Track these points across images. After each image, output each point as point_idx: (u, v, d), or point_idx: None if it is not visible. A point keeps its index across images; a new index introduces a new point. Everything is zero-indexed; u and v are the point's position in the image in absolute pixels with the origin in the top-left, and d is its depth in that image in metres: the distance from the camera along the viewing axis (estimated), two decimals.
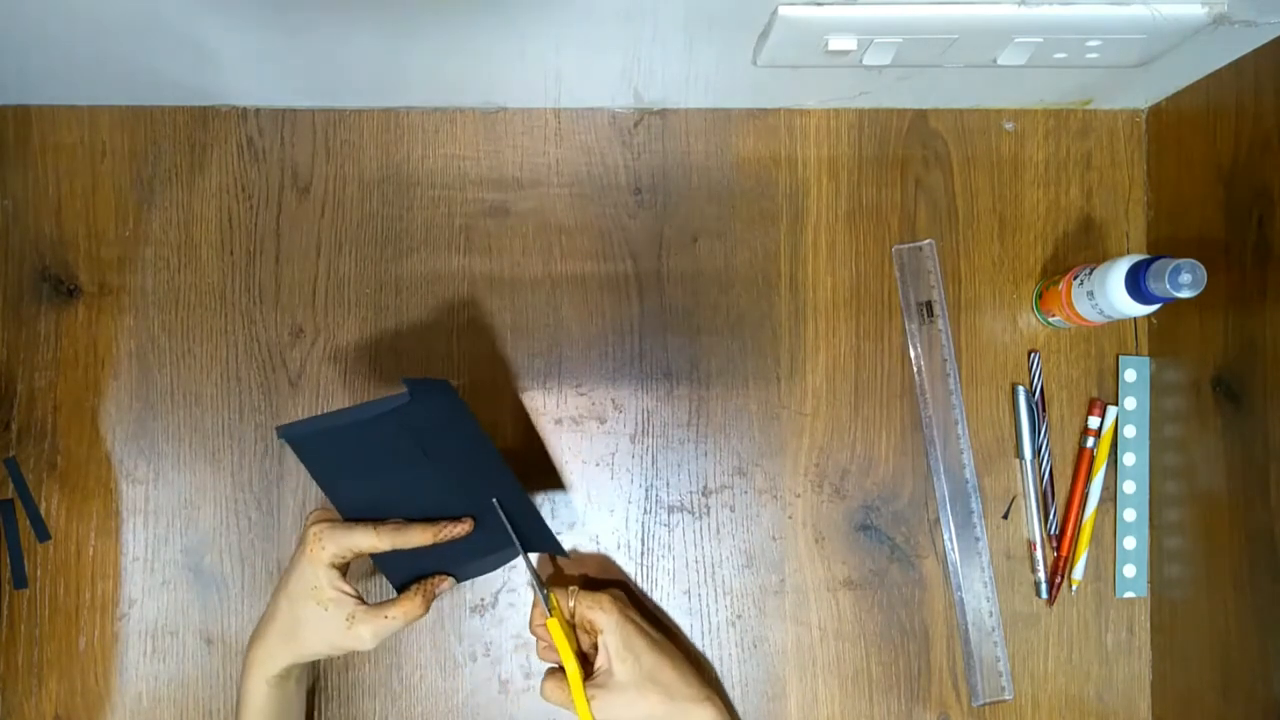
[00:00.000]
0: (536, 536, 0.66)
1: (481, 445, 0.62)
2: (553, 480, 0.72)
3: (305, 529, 0.60)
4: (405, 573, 0.63)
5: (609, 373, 0.72)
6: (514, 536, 0.63)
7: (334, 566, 0.59)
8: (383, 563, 0.62)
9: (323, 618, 0.58)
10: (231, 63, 0.64)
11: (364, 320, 0.71)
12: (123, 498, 0.70)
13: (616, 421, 0.72)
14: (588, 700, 0.61)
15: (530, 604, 0.69)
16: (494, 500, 0.62)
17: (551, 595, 0.64)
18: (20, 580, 0.69)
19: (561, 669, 0.63)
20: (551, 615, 0.63)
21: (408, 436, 0.58)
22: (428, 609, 0.61)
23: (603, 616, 0.63)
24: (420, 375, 0.71)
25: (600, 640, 0.63)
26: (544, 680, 0.64)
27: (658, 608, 0.71)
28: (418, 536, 0.59)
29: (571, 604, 0.64)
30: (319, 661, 0.70)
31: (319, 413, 0.70)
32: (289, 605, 0.59)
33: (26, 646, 0.69)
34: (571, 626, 0.65)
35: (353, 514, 0.60)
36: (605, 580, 0.72)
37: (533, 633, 0.66)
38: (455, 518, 0.61)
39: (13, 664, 0.69)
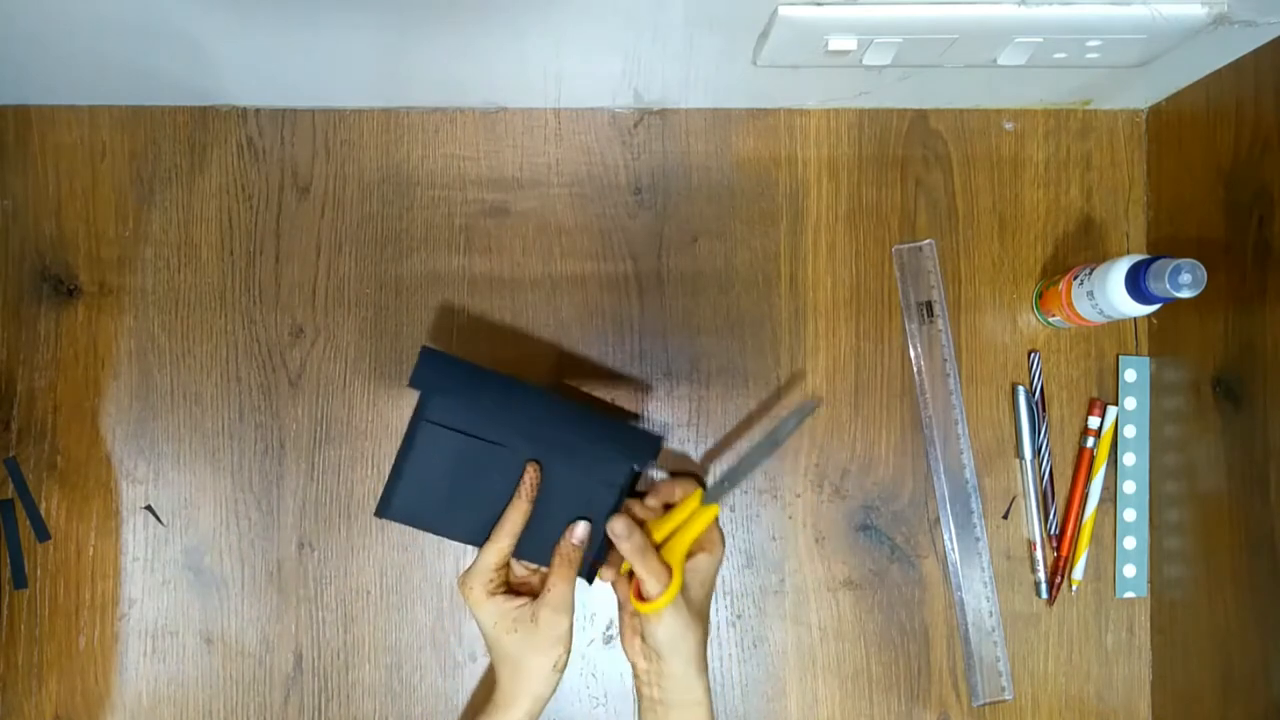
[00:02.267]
0: (627, 442, 0.64)
1: (518, 390, 0.63)
2: None
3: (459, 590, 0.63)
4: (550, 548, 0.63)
5: (609, 373, 0.72)
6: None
7: (495, 595, 0.61)
8: (540, 558, 0.63)
9: (523, 641, 0.60)
10: (231, 63, 0.64)
11: (364, 320, 0.71)
12: (123, 498, 0.70)
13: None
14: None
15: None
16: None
17: (721, 494, 0.64)
18: (20, 580, 0.69)
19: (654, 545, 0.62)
20: (713, 501, 0.63)
21: (456, 432, 0.61)
22: (576, 564, 0.61)
23: (718, 543, 0.64)
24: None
25: (699, 559, 0.63)
26: (637, 533, 0.61)
27: None
28: (517, 514, 0.61)
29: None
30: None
31: (323, 414, 0.70)
32: (499, 659, 0.61)
33: (26, 646, 0.69)
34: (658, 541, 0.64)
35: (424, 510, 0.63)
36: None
37: (656, 490, 0.65)
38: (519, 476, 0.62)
39: (13, 664, 0.69)
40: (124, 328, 0.71)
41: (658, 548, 0.62)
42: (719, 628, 0.71)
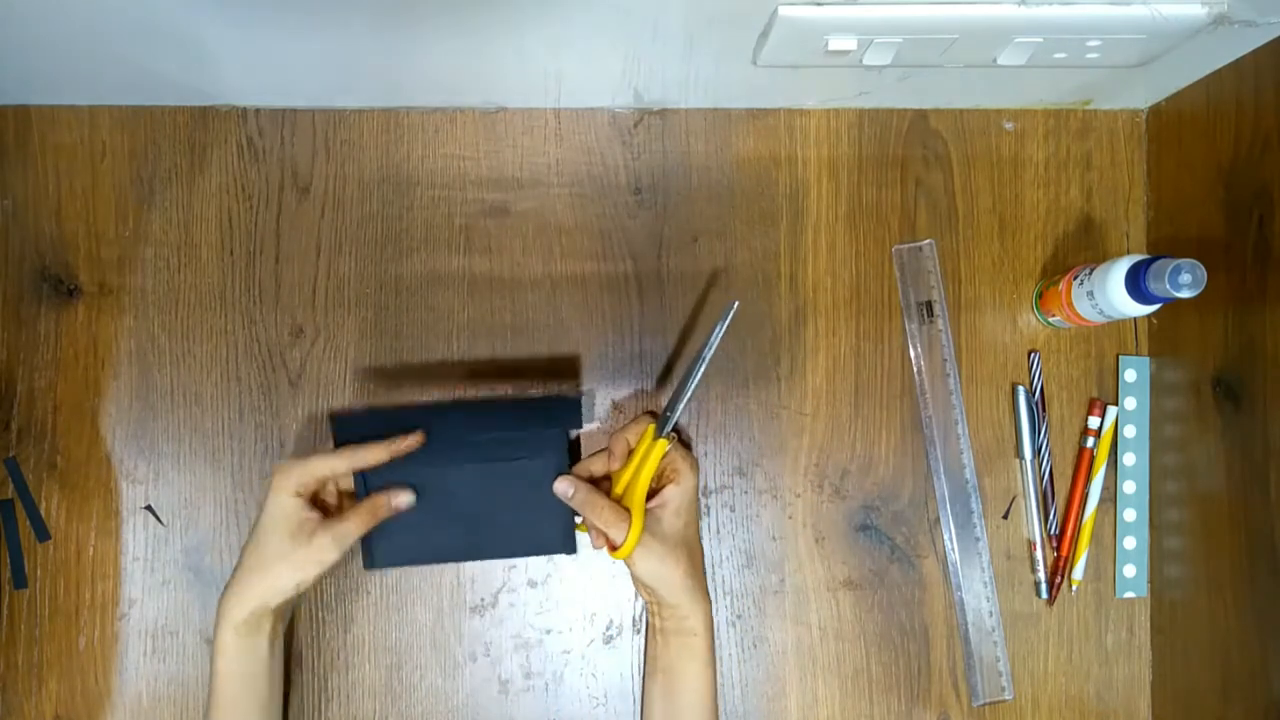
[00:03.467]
0: (548, 413, 0.67)
1: (434, 415, 0.66)
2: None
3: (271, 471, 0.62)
4: (558, 533, 0.66)
5: (609, 373, 0.72)
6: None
7: (299, 495, 0.60)
8: (534, 550, 0.66)
9: (288, 545, 0.59)
10: (231, 63, 0.64)
11: (364, 320, 0.71)
12: (123, 498, 0.70)
13: (616, 421, 0.72)
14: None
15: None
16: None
17: (661, 425, 0.65)
18: (20, 580, 0.69)
19: (608, 495, 0.64)
20: (663, 437, 0.64)
21: (400, 473, 0.64)
22: (374, 519, 0.62)
23: (687, 472, 0.65)
24: (401, 377, 0.71)
25: (668, 489, 0.64)
26: (587, 491, 0.63)
27: None
28: (369, 454, 0.61)
29: (668, 445, 0.64)
30: (293, 627, 0.69)
31: (323, 414, 0.71)
32: (255, 546, 0.60)
33: (26, 646, 0.69)
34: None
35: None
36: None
37: (612, 442, 0.66)
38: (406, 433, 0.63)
39: (13, 664, 0.69)
40: (124, 328, 0.71)
41: (620, 496, 0.64)
42: (719, 628, 0.71)
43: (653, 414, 0.70)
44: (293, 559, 0.59)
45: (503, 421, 0.66)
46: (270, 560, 0.60)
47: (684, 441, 0.71)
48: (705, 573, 0.68)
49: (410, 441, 0.62)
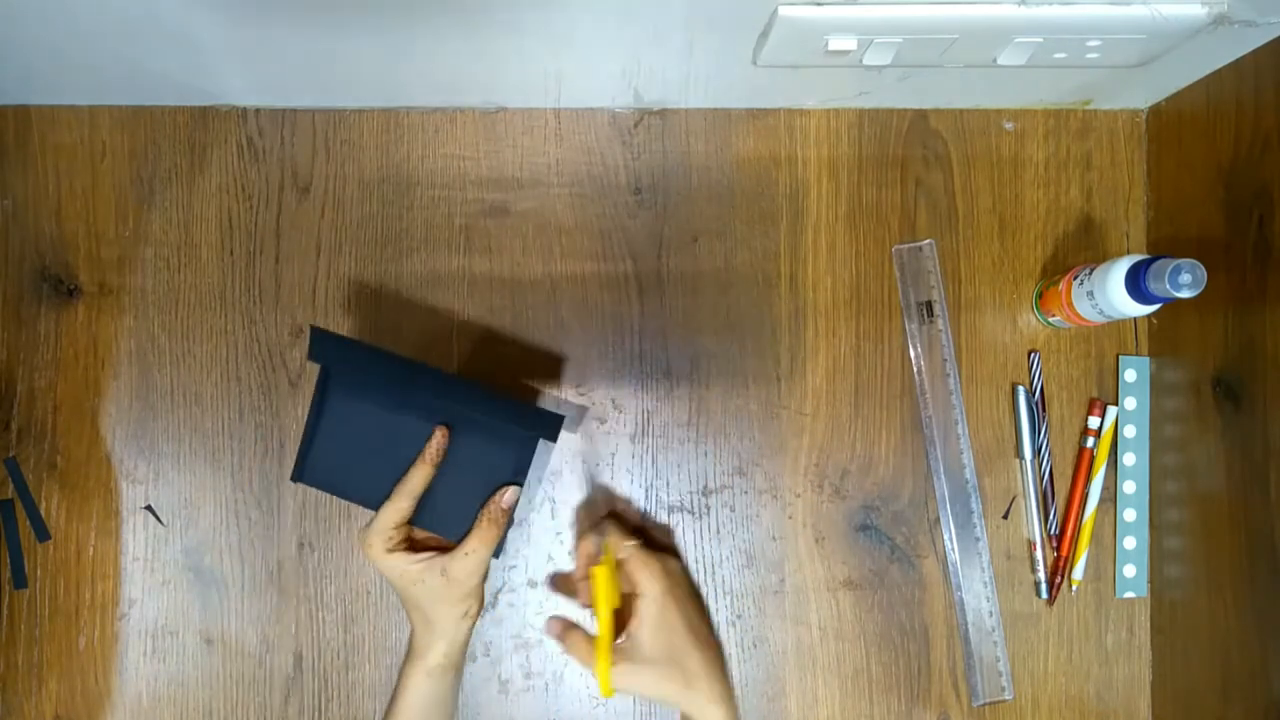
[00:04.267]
0: (529, 418, 0.64)
1: (418, 369, 0.63)
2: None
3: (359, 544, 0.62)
4: (464, 522, 0.62)
5: (609, 373, 0.72)
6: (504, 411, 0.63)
7: (393, 552, 0.60)
8: (439, 527, 0.62)
9: (430, 590, 0.60)
10: (231, 63, 0.64)
11: (364, 320, 0.71)
12: (123, 498, 0.70)
13: (616, 421, 0.72)
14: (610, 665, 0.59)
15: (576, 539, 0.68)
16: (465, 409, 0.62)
17: (607, 541, 0.62)
18: (20, 580, 0.69)
19: (584, 622, 0.63)
20: (602, 562, 0.61)
21: (361, 402, 0.61)
22: (501, 528, 0.61)
23: (649, 582, 0.61)
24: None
25: (637, 604, 0.61)
26: (568, 631, 0.63)
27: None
28: (418, 476, 0.60)
29: (622, 555, 0.63)
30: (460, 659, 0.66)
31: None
32: (409, 606, 0.61)
33: (26, 646, 0.69)
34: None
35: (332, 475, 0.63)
36: (667, 549, 0.71)
37: (576, 568, 0.65)
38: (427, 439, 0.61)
39: (13, 664, 0.69)
40: (124, 328, 0.71)
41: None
42: (719, 628, 0.71)
43: (616, 515, 0.69)
44: (445, 600, 0.60)
45: (486, 404, 0.63)
46: (427, 608, 0.60)
47: (660, 545, 0.70)
48: (716, 669, 0.61)
49: (437, 441, 0.61)
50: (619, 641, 0.61)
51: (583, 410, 0.71)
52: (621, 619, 0.62)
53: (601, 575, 0.60)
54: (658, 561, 0.63)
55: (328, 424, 0.62)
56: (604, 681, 0.59)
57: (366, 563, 0.68)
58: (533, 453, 0.62)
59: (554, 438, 0.62)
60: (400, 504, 0.60)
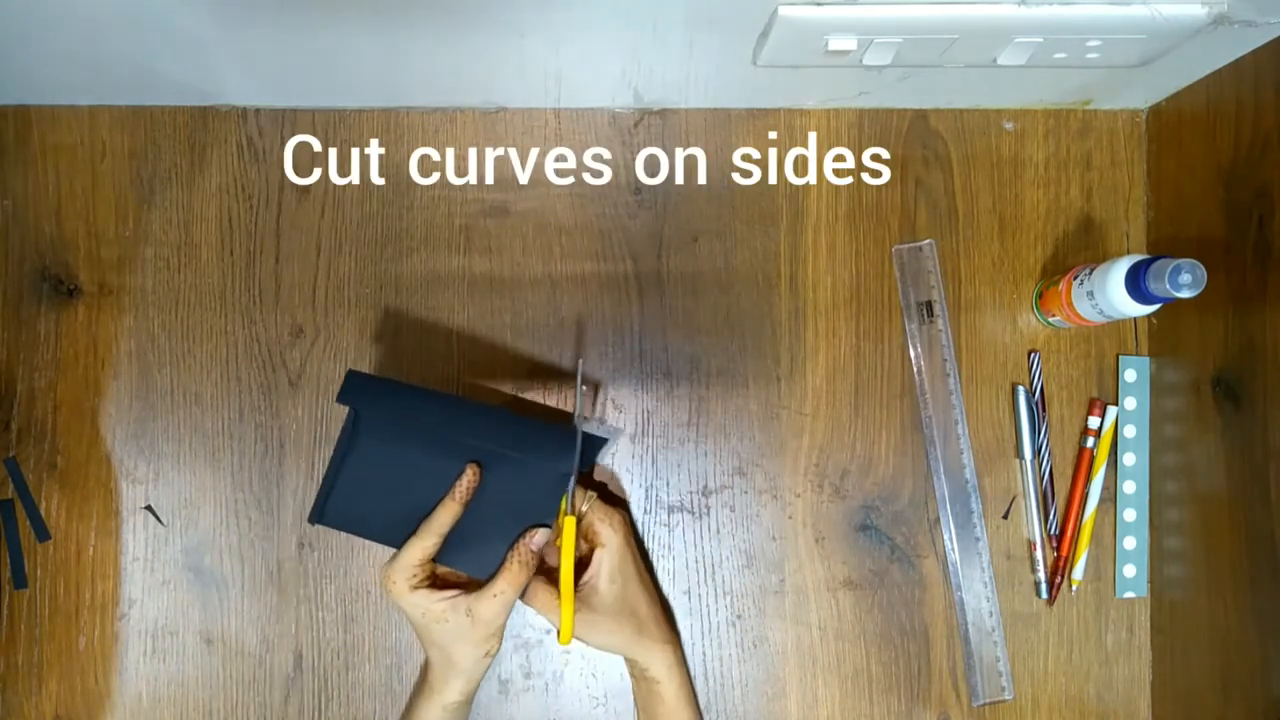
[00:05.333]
0: (562, 450, 0.63)
1: (448, 404, 0.64)
2: None
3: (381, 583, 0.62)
4: (492, 560, 0.61)
5: (609, 373, 0.72)
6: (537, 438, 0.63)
7: (418, 589, 0.60)
8: (464, 564, 0.61)
9: (453, 630, 0.60)
10: (232, 63, 0.64)
11: (364, 320, 0.71)
12: (123, 498, 0.70)
13: (616, 421, 0.72)
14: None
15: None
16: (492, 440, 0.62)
17: (572, 495, 0.63)
18: (20, 580, 0.69)
19: (544, 572, 0.63)
20: (571, 512, 0.62)
21: (389, 444, 0.61)
22: (530, 569, 0.60)
23: (609, 534, 0.64)
24: (401, 377, 0.70)
25: (597, 555, 0.64)
26: (530, 584, 0.63)
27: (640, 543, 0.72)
28: (445, 514, 0.60)
29: (584, 508, 0.64)
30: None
31: (323, 414, 0.70)
32: (429, 644, 0.62)
33: (26, 646, 0.69)
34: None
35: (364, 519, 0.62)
36: (617, 500, 0.72)
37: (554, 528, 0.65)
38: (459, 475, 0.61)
39: (13, 664, 0.69)
40: (124, 328, 0.71)
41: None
42: (719, 628, 0.71)
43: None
44: (469, 640, 0.60)
45: (517, 442, 0.62)
46: (449, 648, 0.60)
47: (611, 496, 0.71)
48: (661, 614, 0.66)
49: (467, 479, 0.60)
50: (579, 591, 0.63)
51: (617, 432, 0.71)
52: (578, 568, 0.64)
53: (569, 525, 0.62)
54: (615, 514, 0.65)
55: (353, 466, 0.62)
56: (566, 629, 0.61)
57: (388, 601, 0.68)
58: (565, 491, 0.62)
59: (587, 467, 0.63)
60: (426, 542, 0.60)
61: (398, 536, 0.61)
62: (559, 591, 0.61)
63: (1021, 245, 0.73)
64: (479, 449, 0.61)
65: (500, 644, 0.62)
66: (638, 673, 0.66)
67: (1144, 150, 0.73)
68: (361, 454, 0.62)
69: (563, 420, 0.71)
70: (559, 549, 0.62)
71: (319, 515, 0.62)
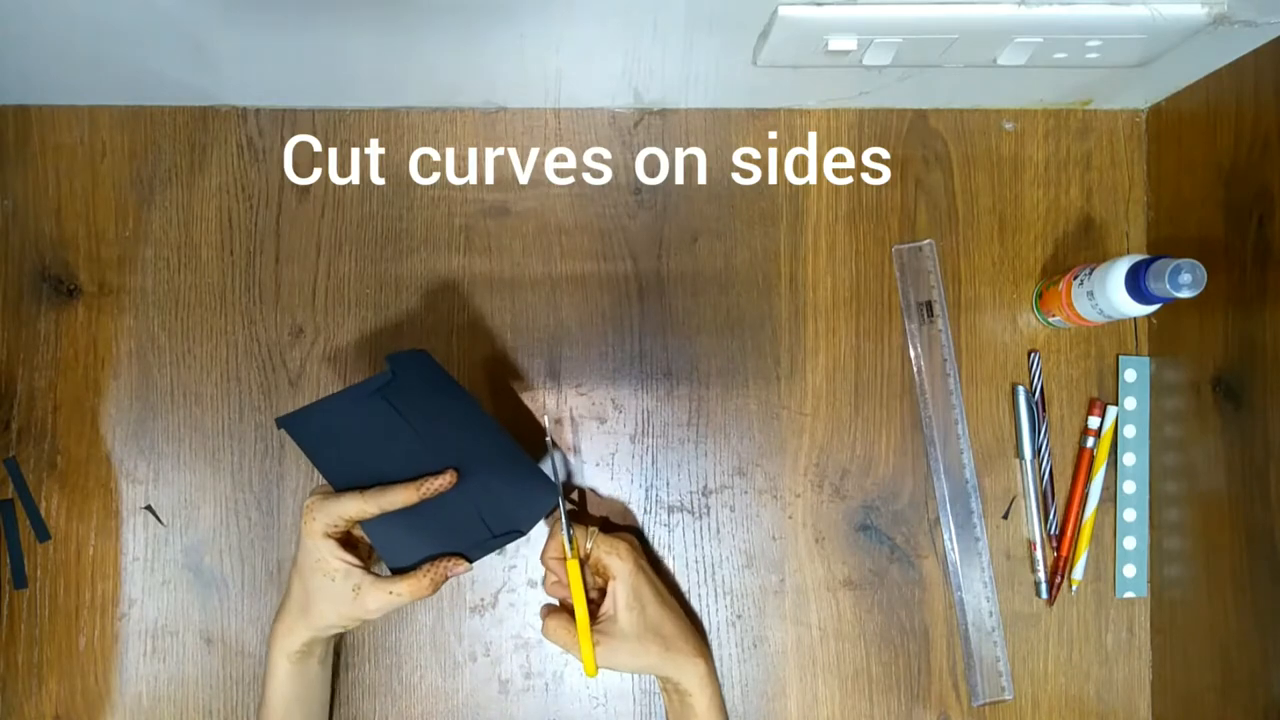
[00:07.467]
0: (534, 497, 0.63)
1: (470, 412, 0.63)
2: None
3: (302, 507, 0.61)
4: (406, 555, 0.61)
5: (609, 373, 0.72)
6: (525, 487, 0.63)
7: (329, 537, 0.59)
8: (381, 542, 0.60)
9: (331, 589, 0.59)
10: (231, 63, 0.64)
11: (364, 320, 0.71)
12: (123, 498, 0.70)
13: (616, 421, 0.72)
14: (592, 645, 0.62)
15: (546, 537, 0.67)
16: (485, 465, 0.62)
17: (574, 534, 0.64)
18: (20, 580, 0.69)
19: (564, 608, 0.64)
20: (572, 555, 0.64)
21: (396, 413, 0.60)
22: (435, 590, 0.60)
23: (618, 564, 0.64)
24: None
25: (611, 586, 0.64)
26: (547, 618, 0.64)
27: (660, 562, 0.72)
28: (401, 496, 0.59)
29: (589, 545, 0.65)
30: (340, 639, 0.69)
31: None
32: (300, 581, 0.60)
33: (26, 646, 0.69)
34: (583, 566, 0.65)
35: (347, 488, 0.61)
36: (621, 526, 0.72)
37: (543, 563, 0.67)
38: (436, 473, 0.60)
39: (13, 664, 0.69)
40: (124, 328, 0.71)
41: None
42: (719, 628, 0.71)
43: (573, 511, 0.71)
44: (337, 607, 0.59)
45: (502, 473, 0.62)
46: (315, 599, 0.60)
47: (612, 526, 0.71)
48: (689, 629, 0.66)
49: (441, 482, 0.59)
50: (599, 623, 0.64)
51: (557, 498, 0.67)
52: (597, 601, 0.65)
53: (573, 568, 0.64)
54: (620, 542, 0.65)
55: (349, 403, 0.60)
56: (588, 662, 0.62)
57: (296, 526, 0.69)
58: (502, 545, 0.63)
59: (529, 527, 0.63)
60: (367, 507, 0.59)
61: (341, 480, 0.60)
62: (577, 628, 0.63)
63: (1021, 245, 0.73)
64: (464, 461, 0.61)
65: (354, 627, 0.62)
66: (670, 687, 0.65)
67: (1144, 150, 0.73)
68: (364, 401, 0.60)
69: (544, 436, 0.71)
70: (570, 589, 0.64)
71: (288, 421, 0.60)
